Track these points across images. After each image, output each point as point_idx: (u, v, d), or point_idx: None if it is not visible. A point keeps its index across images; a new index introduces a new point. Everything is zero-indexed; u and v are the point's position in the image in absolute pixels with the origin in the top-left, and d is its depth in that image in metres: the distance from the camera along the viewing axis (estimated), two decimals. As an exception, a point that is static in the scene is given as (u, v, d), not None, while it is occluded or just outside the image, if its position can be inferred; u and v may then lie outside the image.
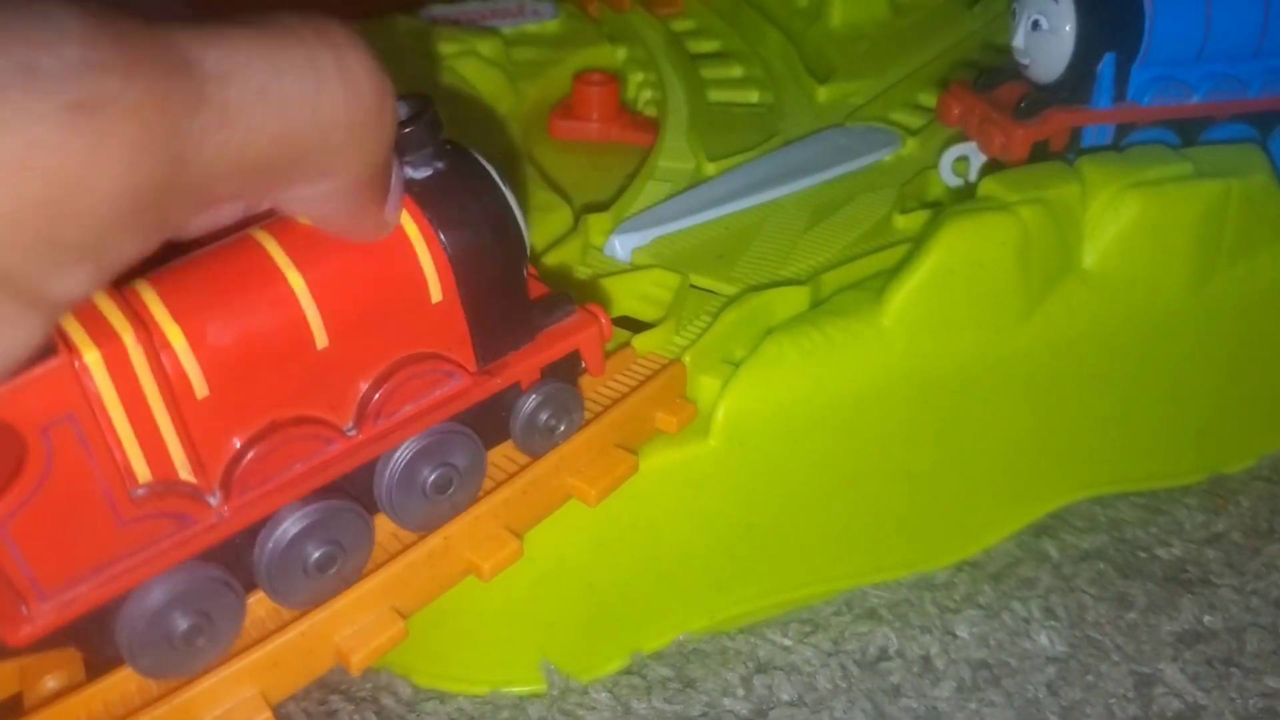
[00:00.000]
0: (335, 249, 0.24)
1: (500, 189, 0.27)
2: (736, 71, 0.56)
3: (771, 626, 0.38)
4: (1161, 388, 0.42)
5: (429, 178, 0.26)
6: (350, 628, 0.27)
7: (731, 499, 0.35)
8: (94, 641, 0.24)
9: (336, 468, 0.25)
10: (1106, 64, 0.42)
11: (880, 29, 0.59)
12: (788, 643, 0.37)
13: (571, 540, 0.34)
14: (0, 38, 0.17)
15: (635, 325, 0.36)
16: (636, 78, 0.55)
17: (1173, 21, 0.41)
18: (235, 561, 0.25)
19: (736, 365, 0.35)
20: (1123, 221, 0.38)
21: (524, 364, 0.28)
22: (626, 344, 0.35)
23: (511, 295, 0.28)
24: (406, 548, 0.28)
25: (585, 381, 0.33)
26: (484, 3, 0.58)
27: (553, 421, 0.30)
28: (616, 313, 0.38)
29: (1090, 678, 0.36)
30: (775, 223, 0.43)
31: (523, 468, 0.30)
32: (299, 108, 0.20)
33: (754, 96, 0.54)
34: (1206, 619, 0.38)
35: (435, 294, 0.26)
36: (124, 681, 0.26)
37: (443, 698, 0.35)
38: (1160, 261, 0.39)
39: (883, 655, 0.37)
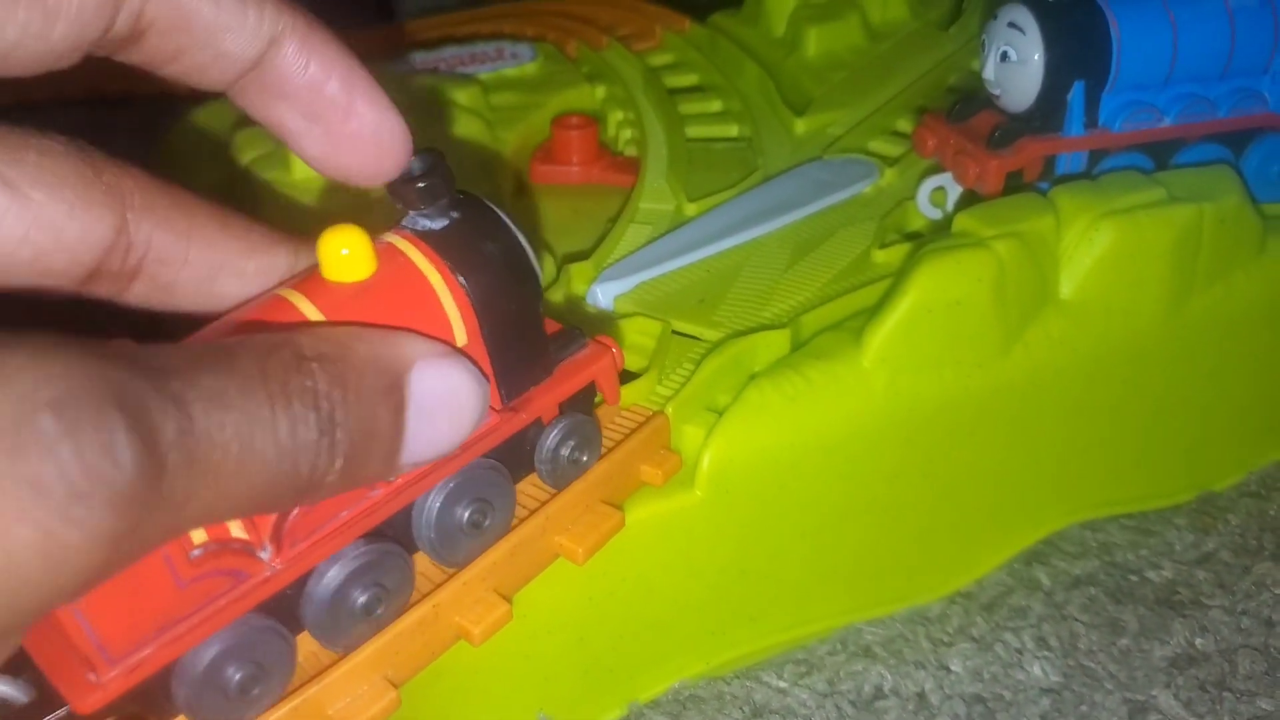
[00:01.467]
0: (363, 302, 0.25)
1: (514, 232, 0.28)
2: (715, 105, 0.57)
3: (767, 669, 0.38)
4: (1146, 410, 0.42)
5: (446, 227, 0.27)
6: (343, 700, 0.27)
7: (720, 546, 0.36)
8: (154, 701, 0.24)
9: (380, 513, 0.26)
10: (1076, 92, 0.42)
11: (856, 56, 0.60)
12: (783, 685, 0.37)
13: (561, 597, 0.34)
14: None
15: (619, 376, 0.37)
16: (616, 116, 0.56)
17: (1140, 47, 0.42)
18: (284, 609, 0.26)
19: (720, 413, 0.35)
20: (1097, 250, 0.39)
21: (545, 398, 0.29)
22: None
23: (530, 333, 0.29)
24: (397, 618, 0.28)
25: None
26: (462, 48, 0.58)
27: (576, 454, 0.31)
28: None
29: (1085, 708, 0.36)
30: (756, 262, 0.43)
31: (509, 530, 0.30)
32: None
33: (733, 130, 0.54)
34: (1198, 642, 0.38)
35: (460, 337, 0.27)
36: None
37: (443, 754, 0.36)
38: (1137, 288, 0.39)
39: (878, 694, 0.37)
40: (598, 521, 0.32)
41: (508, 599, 0.30)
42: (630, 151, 0.53)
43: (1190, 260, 0.40)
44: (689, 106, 0.56)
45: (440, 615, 0.29)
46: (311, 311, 0.25)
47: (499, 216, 0.28)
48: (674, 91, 0.58)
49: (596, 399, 0.32)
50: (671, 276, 0.43)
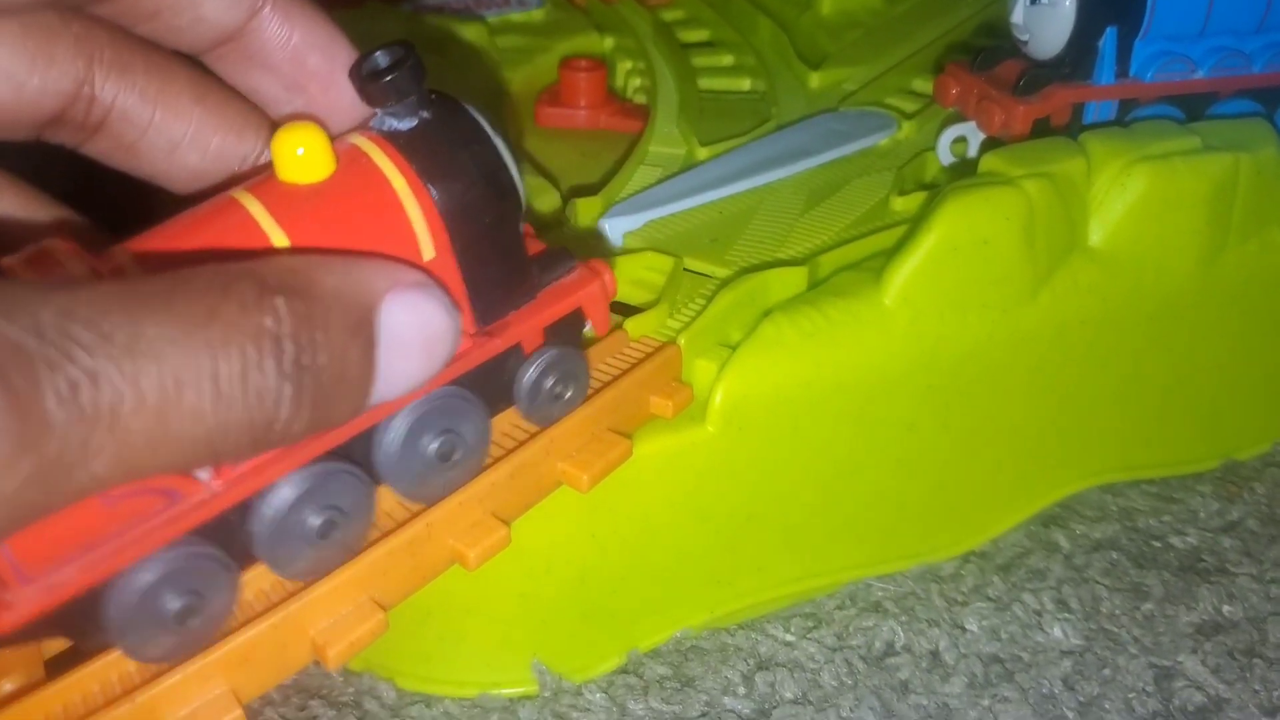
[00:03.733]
0: (318, 206, 0.23)
1: (491, 138, 0.25)
2: (727, 60, 0.55)
3: (772, 621, 0.36)
4: (1172, 370, 0.40)
5: (414, 128, 0.25)
6: (326, 620, 0.26)
7: (730, 487, 0.34)
8: (82, 628, 0.23)
9: (332, 435, 0.24)
10: (1108, 39, 0.40)
11: (873, 16, 0.58)
12: (790, 638, 0.36)
13: (563, 532, 0.32)
14: None
15: (627, 310, 0.35)
16: (625, 65, 0.54)
17: (1176, -6, 0.40)
18: (228, 536, 0.24)
19: (733, 348, 0.33)
20: (1130, 197, 0.37)
21: (526, 324, 0.27)
22: (619, 327, 0.33)
23: (509, 250, 0.26)
24: (385, 535, 0.26)
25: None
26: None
27: (559, 388, 0.28)
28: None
29: (1108, 671, 0.34)
30: (770, 206, 0.42)
31: (509, 451, 0.28)
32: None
33: (746, 84, 0.52)
34: (1226, 609, 0.37)
35: (427, 251, 0.25)
36: (85, 680, 0.25)
37: (429, 701, 0.34)
38: (1169, 238, 0.38)
39: (889, 650, 0.35)
40: (604, 449, 0.30)
41: (506, 523, 0.28)
42: (639, 100, 0.51)
43: (1225, 212, 0.38)
44: (701, 60, 0.55)
45: (434, 535, 0.27)
46: (262, 215, 0.23)
47: (475, 119, 0.25)
48: (686, 46, 0.56)
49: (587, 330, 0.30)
50: (682, 216, 0.41)
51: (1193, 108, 0.42)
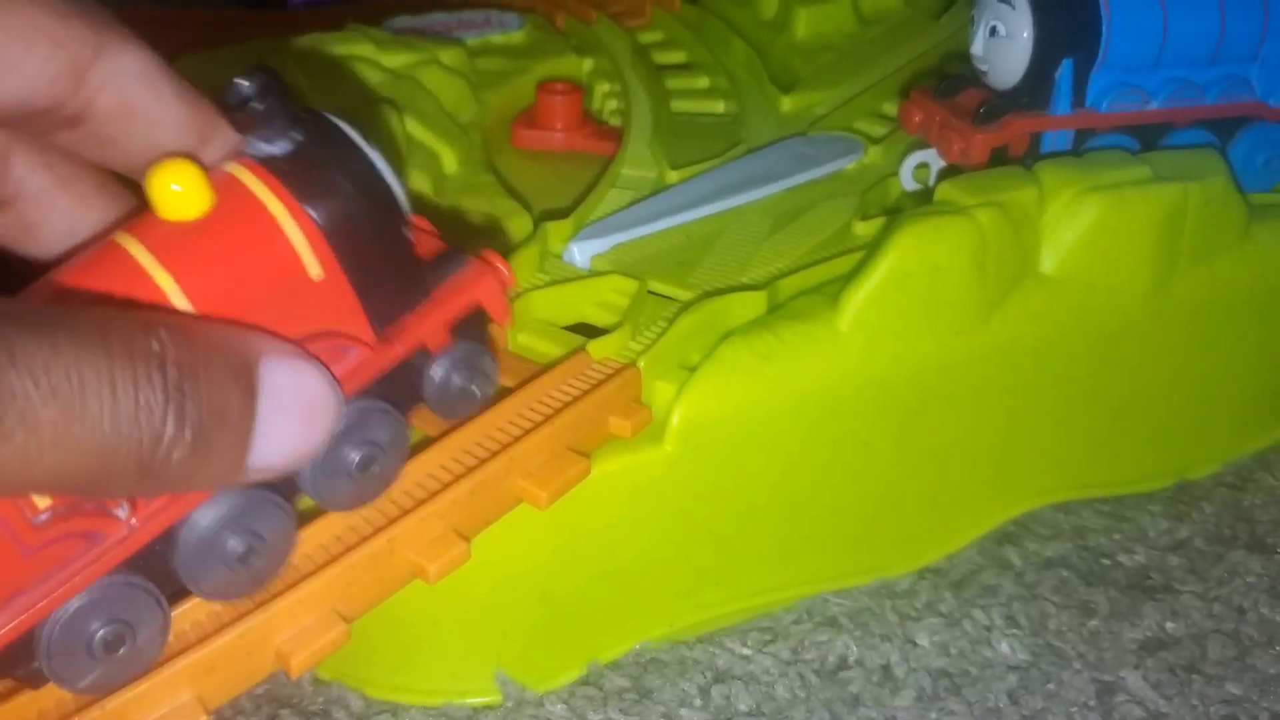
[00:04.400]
0: (199, 242, 0.24)
1: (363, 150, 0.26)
2: (702, 82, 0.56)
3: (731, 635, 0.37)
4: (1123, 392, 0.42)
5: (287, 151, 0.25)
6: (291, 630, 0.27)
7: (688, 505, 0.35)
8: (19, 667, 0.23)
9: None
10: (1065, 70, 0.42)
11: (846, 40, 0.59)
12: (747, 652, 0.37)
13: (524, 547, 0.33)
14: None
15: (592, 331, 0.36)
16: (602, 88, 0.55)
17: (1130, 28, 0.41)
18: (154, 568, 0.24)
19: (692, 370, 0.34)
20: (1081, 225, 0.38)
21: (424, 324, 0.27)
22: (581, 349, 0.34)
23: (395, 256, 0.27)
24: (349, 549, 0.27)
25: (537, 386, 0.33)
26: (449, 15, 0.58)
27: (466, 384, 0.29)
28: (574, 319, 0.38)
29: (1052, 686, 0.36)
30: (736, 230, 0.43)
31: (470, 469, 0.30)
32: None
33: (719, 107, 0.54)
34: (1169, 626, 0.38)
35: (314, 270, 0.25)
36: (56, 689, 0.26)
37: (395, 710, 0.35)
38: (1119, 265, 0.39)
39: (842, 664, 0.36)
40: (563, 467, 0.31)
41: (467, 539, 0.29)
42: (615, 122, 0.53)
43: (1174, 240, 0.40)
44: (676, 83, 0.56)
45: (395, 549, 0.28)
46: (144, 257, 0.23)
47: (346, 134, 0.26)
48: (662, 68, 0.57)
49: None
50: (650, 239, 0.42)
51: (1148, 138, 0.43)
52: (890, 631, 0.37)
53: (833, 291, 0.36)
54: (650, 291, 0.39)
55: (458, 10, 0.59)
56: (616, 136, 0.50)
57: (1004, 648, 0.37)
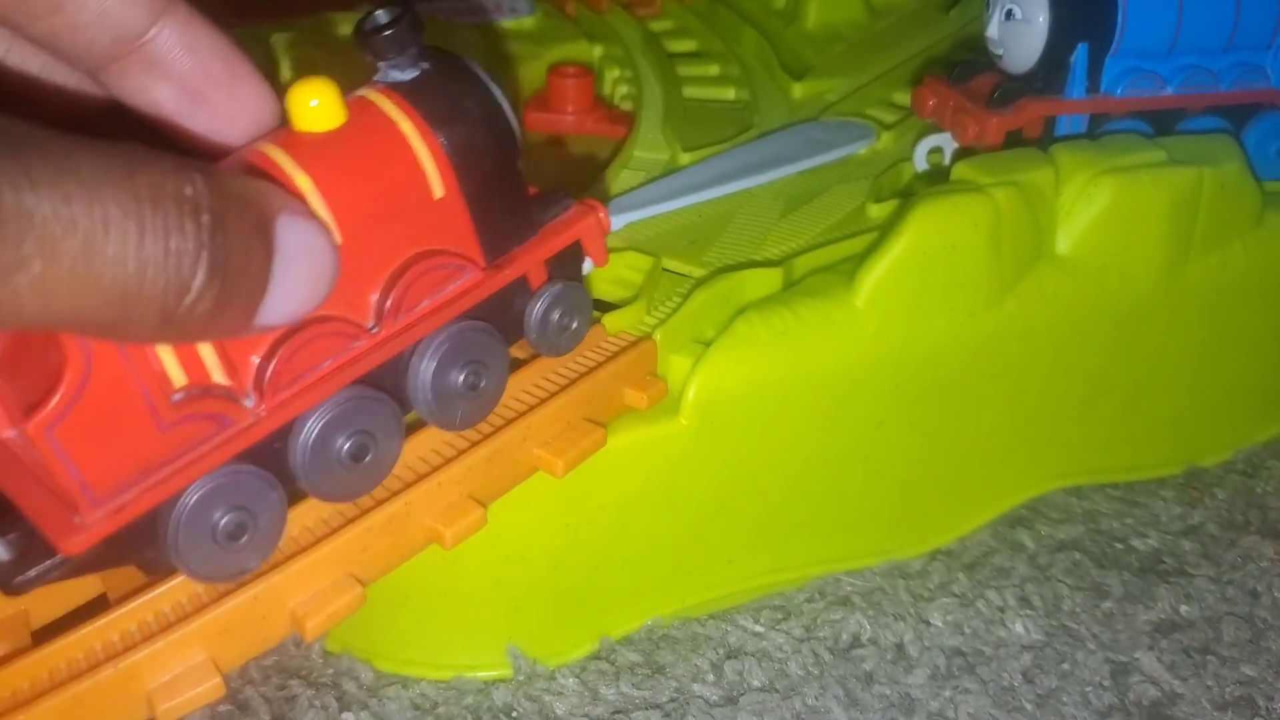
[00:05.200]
0: (336, 151, 0.25)
1: (488, 84, 0.27)
2: (713, 70, 0.56)
3: (743, 612, 0.37)
4: (1137, 377, 0.41)
5: (416, 78, 0.26)
6: (305, 593, 0.26)
7: (702, 480, 0.35)
8: (141, 551, 0.24)
9: (363, 364, 0.26)
10: (1080, 55, 0.42)
11: (856, 30, 0.59)
12: (759, 629, 0.36)
13: (538, 520, 0.33)
14: None
15: (606, 306, 0.36)
16: (613, 73, 0.55)
17: (1145, 13, 0.41)
18: (273, 462, 0.25)
19: (708, 344, 0.34)
20: (1096, 207, 0.38)
21: (529, 257, 0.29)
22: (597, 322, 0.34)
23: (510, 189, 0.28)
24: (364, 512, 0.27)
25: (553, 358, 0.33)
26: (460, 0, 0.58)
27: (565, 319, 0.30)
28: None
29: (1066, 666, 0.35)
30: (749, 210, 0.43)
31: (486, 436, 0.29)
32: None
33: (730, 93, 0.54)
34: (1183, 609, 0.38)
35: (437, 190, 0.26)
36: (69, 648, 0.26)
37: (405, 683, 0.35)
38: (1133, 247, 0.39)
39: (855, 642, 0.36)
40: (579, 437, 0.31)
41: (483, 505, 0.29)
42: (626, 106, 0.52)
43: (1188, 224, 0.39)
44: (687, 70, 0.56)
45: (412, 513, 0.28)
46: (285, 160, 0.24)
47: (472, 69, 0.27)
48: (673, 56, 0.57)
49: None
50: (663, 218, 0.42)
51: (1161, 123, 0.43)
52: (903, 611, 0.37)
53: (848, 269, 0.36)
54: (664, 268, 0.38)
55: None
56: (628, 120, 0.50)
57: (1018, 628, 0.37)
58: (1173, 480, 0.44)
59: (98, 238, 0.18)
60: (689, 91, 0.53)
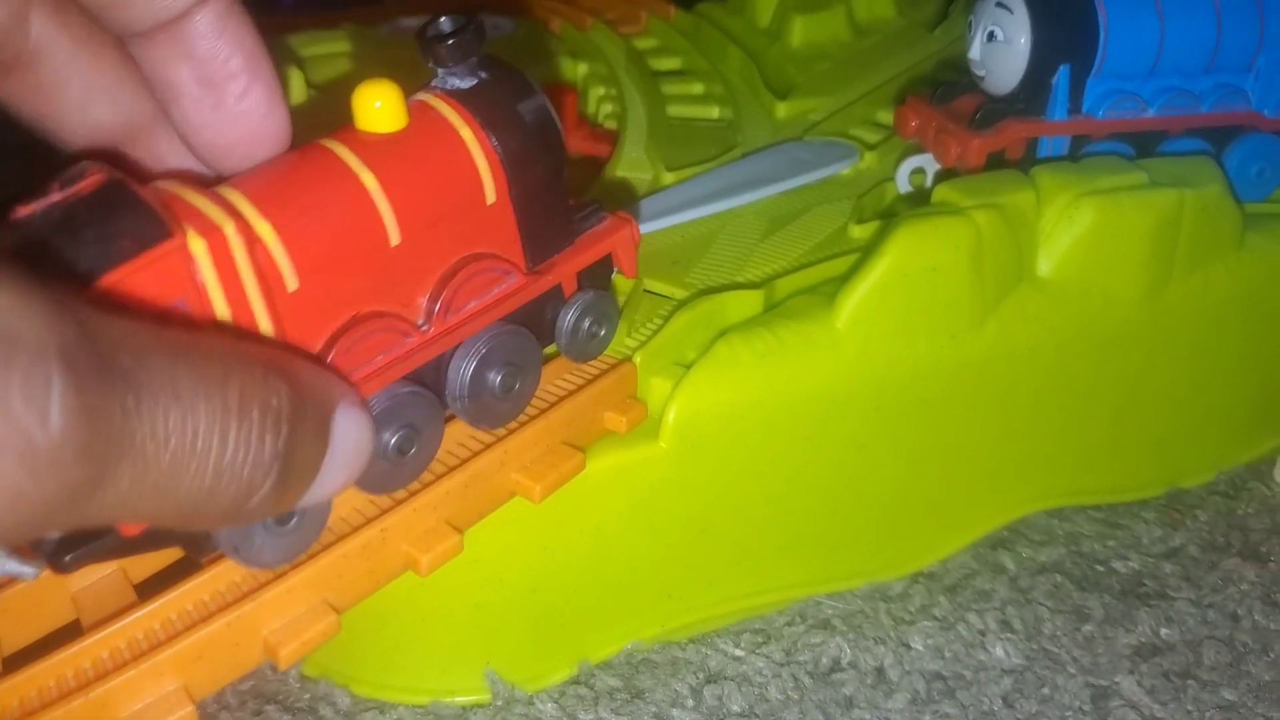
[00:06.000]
0: (401, 153, 0.26)
1: (541, 96, 0.28)
2: (697, 88, 0.56)
3: (723, 636, 0.37)
4: (1118, 399, 0.42)
5: (475, 86, 0.27)
6: (280, 620, 0.26)
7: (682, 503, 0.35)
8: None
9: (413, 360, 0.26)
10: (1061, 76, 0.42)
11: (841, 49, 0.59)
12: (739, 653, 0.36)
13: (516, 543, 0.33)
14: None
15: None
16: (597, 92, 0.55)
17: (1127, 34, 0.41)
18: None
19: (688, 367, 0.34)
20: (1077, 229, 0.38)
21: (567, 265, 0.30)
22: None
23: (555, 198, 0.29)
24: (340, 539, 0.27)
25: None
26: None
27: (595, 327, 0.31)
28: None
29: (1046, 690, 0.35)
30: (731, 231, 0.43)
31: (463, 461, 0.29)
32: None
33: (714, 112, 0.54)
34: (1163, 632, 0.37)
35: (490, 195, 0.27)
36: (40, 675, 0.25)
37: (383, 708, 0.34)
38: (1115, 270, 0.39)
39: (836, 666, 0.36)
40: (557, 461, 0.31)
41: (459, 531, 0.29)
42: (610, 125, 0.52)
43: (1170, 246, 0.40)
44: (671, 88, 0.56)
45: (387, 540, 0.28)
46: (350, 158, 0.25)
47: (527, 81, 0.28)
48: (657, 74, 0.57)
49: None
50: (645, 239, 0.41)
51: (1143, 145, 0.43)
52: (884, 634, 0.37)
53: (829, 291, 0.36)
54: (645, 290, 0.38)
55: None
56: (611, 139, 0.50)
57: (998, 651, 0.37)
58: (1155, 502, 0.44)
59: (184, 454, 0.18)
60: (673, 110, 0.53)
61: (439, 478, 0.29)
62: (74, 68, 0.26)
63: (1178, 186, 0.39)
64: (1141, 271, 0.39)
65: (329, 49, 0.51)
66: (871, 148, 0.49)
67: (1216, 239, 0.41)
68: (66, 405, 0.16)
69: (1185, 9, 0.42)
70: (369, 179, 0.25)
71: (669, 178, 0.46)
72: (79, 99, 0.27)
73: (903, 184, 0.45)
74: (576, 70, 0.57)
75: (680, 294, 0.38)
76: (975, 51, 0.42)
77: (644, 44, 0.61)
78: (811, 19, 0.60)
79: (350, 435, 0.23)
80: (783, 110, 0.53)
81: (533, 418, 0.31)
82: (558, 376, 0.33)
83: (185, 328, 0.22)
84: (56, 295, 0.17)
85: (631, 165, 0.47)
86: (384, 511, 0.28)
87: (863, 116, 0.53)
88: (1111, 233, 0.38)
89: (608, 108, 0.54)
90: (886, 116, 0.52)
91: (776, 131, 0.51)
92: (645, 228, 0.42)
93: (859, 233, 0.42)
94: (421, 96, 0.27)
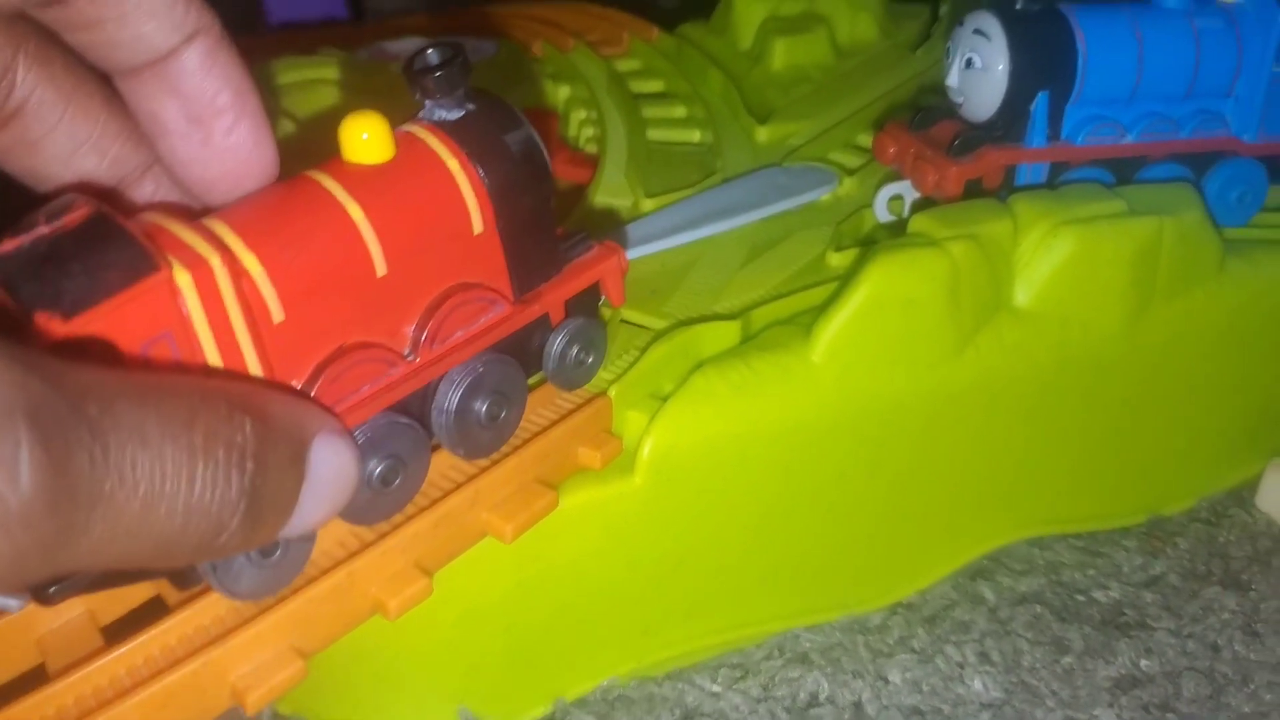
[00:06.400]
0: (387, 184, 0.26)
1: (529, 127, 0.28)
2: (679, 111, 0.56)
3: (700, 672, 0.37)
4: (1099, 427, 0.41)
5: (462, 117, 0.28)
6: (247, 665, 0.26)
7: (658, 538, 0.34)
8: None
9: (400, 389, 0.27)
10: (1040, 103, 0.42)
11: (822, 72, 0.59)
12: (716, 689, 0.36)
13: (489, 580, 0.32)
14: None
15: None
16: (578, 115, 0.55)
17: (1106, 61, 0.41)
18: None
19: (664, 400, 0.34)
20: (1055, 259, 0.38)
21: (554, 294, 0.30)
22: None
23: (542, 228, 0.29)
24: (309, 582, 0.27)
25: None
26: (424, 41, 0.57)
27: (582, 355, 0.31)
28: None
29: (1025, 723, 0.35)
30: (710, 259, 0.42)
31: (434, 501, 0.29)
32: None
33: (695, 136, 0.53)
34: (1143, 663, 0.37)
35: (477, 225, 0.27)
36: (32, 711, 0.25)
37: (357, 746, 0.34)
38: (1094, 299, 0.39)
39: (813, 701, 0.36)
40: (530, 500, 0.31)
41: (429, 574, 0.29)
42: (590, 149, 0.52)
43: (1149, 274, 0.39)
44: (652, 111, 0.55)
45: (355, 584, 0.27)
46: (337, 189, 0.25)
47: (514, 111, 0.28)
48: (639, 97, 0.57)
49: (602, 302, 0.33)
50: (625, 267, 0.41)
51: (1122, 171, 0.43)
52: (862, 668, 0.37)
53: (806, 322, 0.36)
54: (622, 320, 0.38)
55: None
56: (592, 163, 0.50)
57: (976, 685, 0.36)
58: (1135, 529, 0.43)
59: (154, 497, 0.19)
60: (654, 133, 0.53)
61: (409, 518, 0.29)
62: (61, 120, 0.27)
63: (1157, 214, 0.39)
64: (1121, 300, 0.39)
65: (310, 75, 0.50)
66: (851, 173, 0.49)
67: (1196, 266, 0.41)
68: (35, 463, 0.17)
69: (1164, 35, 0.42)
70: (355, 210, 0.25)
71: (648, 204, 0.46)
72: (66, 151, 0.27)
73: (881, 212, 0.45)
74: (558, 93, 0.57)
75: (658, 324, 0.38)
76: (953, 79, 0.42)
77: (626, 66, 0.61)
78: (793, 41, 0.60)
79: (330, 465, 0.23)
80: (763, 134, 0.52)
81: (505, 455, 0.31)
82: (531, 411, 0.33)
83: (162, 364, 0.23)
84: (21, 351, 0.17)
85: (611, 191, 0.47)
86: (352, 554, 0.28)
87: (843, 140, 0.53)
88: (1090, 261, 0.38)
89: (588, 131, 0.54)
90: (867, 140, 0.52)
91: (757, 156, 0.51)
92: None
93: (837, 260, 0.42)
94: (409, 128, 0.27)
